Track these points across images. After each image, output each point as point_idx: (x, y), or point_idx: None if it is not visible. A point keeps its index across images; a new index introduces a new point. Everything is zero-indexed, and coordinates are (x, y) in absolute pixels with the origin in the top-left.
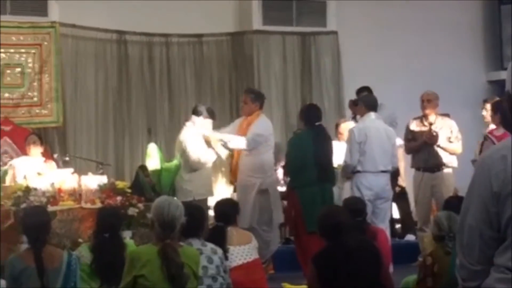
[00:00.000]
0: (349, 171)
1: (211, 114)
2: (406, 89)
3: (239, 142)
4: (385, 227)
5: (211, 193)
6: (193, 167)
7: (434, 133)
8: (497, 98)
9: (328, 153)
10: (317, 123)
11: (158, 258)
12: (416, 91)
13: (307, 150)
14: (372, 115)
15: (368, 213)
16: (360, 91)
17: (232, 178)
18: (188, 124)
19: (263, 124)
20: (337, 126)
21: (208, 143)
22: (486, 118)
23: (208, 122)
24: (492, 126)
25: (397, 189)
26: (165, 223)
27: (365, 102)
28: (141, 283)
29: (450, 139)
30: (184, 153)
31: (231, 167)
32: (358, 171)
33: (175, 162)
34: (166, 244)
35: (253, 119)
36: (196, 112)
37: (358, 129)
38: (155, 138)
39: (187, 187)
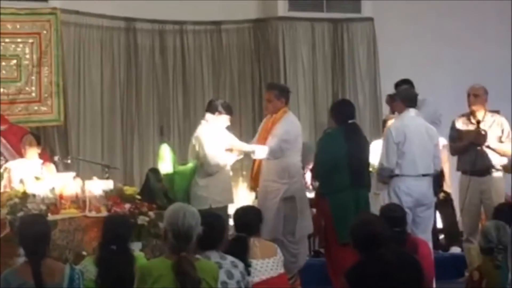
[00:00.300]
0: (386, 175)
1: (228, 109)
2: (451, 83)
3: (262, 152)
4: (427, 238)
5: (230, 200)
6: (208, 171)
7: (483, 132)
8: None
9: (363, 154)
10: (350, 121)
11: (172, 273)
12: (462, 85)
13: (339, 151)
14: (411, 111)
15: (408, 222)
16: (399, 84)
17: (253, 183)
18: (202, 122)
19: (290, 125)
20: (384, 122)
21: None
22: None
23: (225, 119)
24: None
25: (441, 195)
26: (180, 233)
27: (404, 97)
28: None
29: (501, 138)
30: (198, 155)
31: (252, 171)
32: (396, 175)
33: (190, 165)
34: (181, 257)
35: (279, 117)
36: (210, 109)
37: (395, 128)
38: (167, 138)
39: (203, 194)
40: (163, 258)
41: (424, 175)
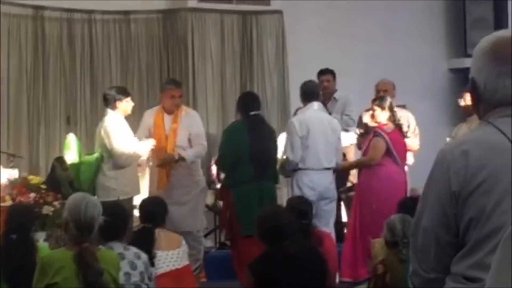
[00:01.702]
0: (291, 169)
1: (123, 92)
2: (360, 77)
3: (196, 154)
4: (329, 231)
5: (137, 191)
6: (118, 164)
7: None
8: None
9: (266, 146)
10: (252, 113)
11: (73, 264)
12: (370, 79)
13: (241, 143)
14: (315, 105)
15: None
16: (322, 73)
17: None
18: (109, 111)
19: (200, 121)
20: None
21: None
22: (463, 109)
23: (129, 102)
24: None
25: (348, 186)
26: (81, 224)
27: (305, 91)
28: None
29: (407, 133)
30: (106, 147)
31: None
32: (299, 169)
33: (96, 155)
34: (82, 248)
35: (181, 114)
36: (107, 103)
37: (299, 121)
38: (74, 128)
39: (111, 185)
40: (64, 249)
41: (327, 169)
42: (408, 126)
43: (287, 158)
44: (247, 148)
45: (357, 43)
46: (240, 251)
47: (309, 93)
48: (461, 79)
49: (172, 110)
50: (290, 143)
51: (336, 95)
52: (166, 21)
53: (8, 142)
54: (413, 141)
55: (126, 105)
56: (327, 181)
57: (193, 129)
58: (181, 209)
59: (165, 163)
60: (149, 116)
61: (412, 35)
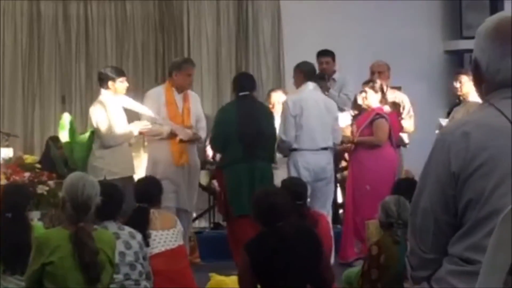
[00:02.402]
0: (285, 148)
1: (118, 72)
2: (355, 59)
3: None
4: (326, 212)
5: (129, 171)
6: (105, 144)
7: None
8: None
9: (258, 126)
10: (242, 93)
11: (69, 244)
12: (365, 61)
13: (230, 124)
14: (309, 85)
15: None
16: (321, 54)
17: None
18: (102, 91)
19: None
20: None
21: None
22: (460, 91)
23: (123, 83)
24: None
25: (343, 165)
26: (78, 204)
27: (304, 69)
28: (50, 272)
29: (402, 115)
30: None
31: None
32: (295, 149)
33: (87, 133)
34: (79, 227)
35: (189, 94)
36: (102, 83)
37: (292, 101)
38: (69, 107)
39: (98, 165)
40: (60, 228)
41: (323, 149)
42: (403, 108)
43: (280, 137)
44: (236, 128)
45: (353, 24)
46: (233, 231)
47: (308, 73)
48: (457, 61)
49: (186, 88)
50: (283, 123)
51: (335, 76)
52: (161, 2)
53: (2, 121)
54: (408, 123)
55: (119, 85)
56: (324, 161)
57: (197, 111)
58: (192, 188)
59: (190, 141)
60: (158, 97)
61: (407, 17)
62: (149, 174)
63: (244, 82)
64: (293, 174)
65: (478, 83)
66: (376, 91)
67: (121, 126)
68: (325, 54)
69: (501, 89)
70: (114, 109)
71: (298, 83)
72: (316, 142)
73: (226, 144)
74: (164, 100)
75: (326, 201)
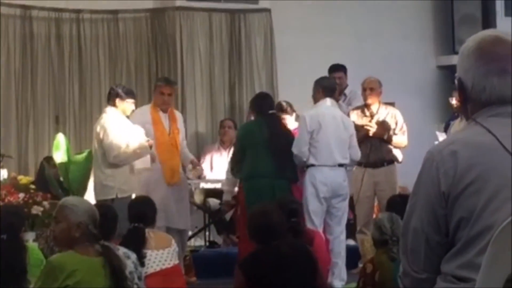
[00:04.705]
0: (298, 163)
1: (130, 93)
2: (349, 75)
3: None
4: (341, 230)
5: (135, 189)
6: (111, 161)
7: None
8: None
9: (287, 141)
10: (270, 112)
11: (85, 268)
12: (359, 77)
13: (258, 138)
14: (328, 101)
15: (322, 213)
16: (334, 69)
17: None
18: (108, 108)
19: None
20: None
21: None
22: (456, 106)
23: (130, 104)
24: None
25: None
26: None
27: (323, 85)
28: None
29: (395, 130)
30: (101, 144)
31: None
32: (312, 165)
33: (84, 153)
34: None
35: (173, 111)
36: (110, 98)
37: (310, 116)
38: (63, 127)
39: (109, 183)
40: (72, 252)
41: (339, 165)
42: (396, 123)
43: (292, 152)
44: (265, 141)
45: (346, 40)
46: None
47: (329, 89)
48: (450, 76)
49: (162, 107)
50: (297, 138)
51: (346, 90)
52: (154, 20)
53: None
54: (400, 138)
55: (126, 105)
56: (340, 178)
57: (182, 130)
58: (183, 206)
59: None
60: (143, 114)
61: (400, 32)
62: (140, 193)
63: (270, 102)
64: (310, 190)
65: (464, 102)
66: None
67: (128, 144)
68: (338, 69)
69: (487, 107)
70: (123, 126)
71: (317, 98)
72: (333, 158)
73: (252, 156)
74: (149, 118)
75: (342, 217)
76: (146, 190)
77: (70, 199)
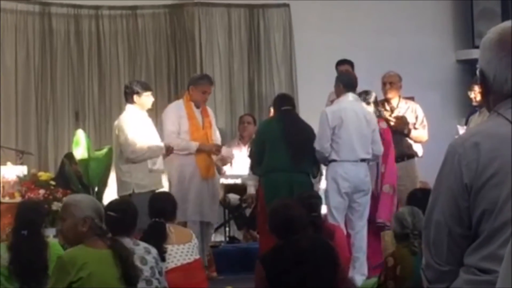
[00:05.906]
0: (320, 159)
1: (146, 86)
2: (366, 70)
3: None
4: (363, 225)
5: (157, 185)
6: (128, 158)
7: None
8: None
9: (305, 135)
10: (284, 107)
11: (95, 260)
12: (377, 71)
13: (275, 133)
14: (349, 96)
15: (344, 208)
16: (340, 63)
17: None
18: (127, 105)
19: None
20: None
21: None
22: (475, 100)
23: (149, 97)
24: None
25: None
26: (102, 217)
27: (345, 81)
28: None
29: (415, 125)
30: (118, 142)
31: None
32: (334, 160)
33: (105, 150)
34: (113, 239)
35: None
36: (128, 96)
37: (332, 111)
38: (83, 124)
39: (126, 179)
40: (82, 246)
41: (362, 160)
42: (416, 118)
43: (314, 148)
44: (281, 138)
45: (364, 35)
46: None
47: (350, 84)
48: (469, 71)
49: (200, 104)
50: (319, 133)
51: None
52: (173, 15)
53: (16, 139)
54: (421, 133)
55: (145, 99)
56: (362, 173)
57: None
58: (215, 201)
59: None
60: (178, 109)
61: (419, 27)
62: (175, 188)
63: (285, 99)
64: (332, 185)
65: (485, 94)
66: (368, 103)
67: (151, 141)
68: (344, 63)
69: (509, 99)
70: (141, 123)
71: (338, 94)
72: (356, 153)
73: (270, 151)
74: (184, 113)
75: (363, 212)
76: (180, 185)
77: (72, 197)
